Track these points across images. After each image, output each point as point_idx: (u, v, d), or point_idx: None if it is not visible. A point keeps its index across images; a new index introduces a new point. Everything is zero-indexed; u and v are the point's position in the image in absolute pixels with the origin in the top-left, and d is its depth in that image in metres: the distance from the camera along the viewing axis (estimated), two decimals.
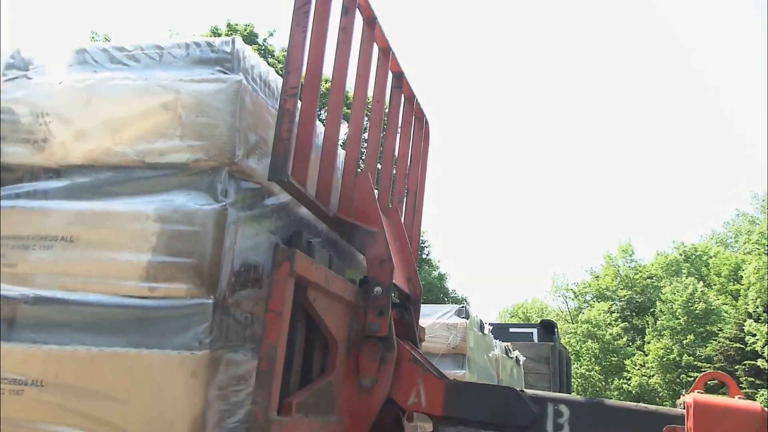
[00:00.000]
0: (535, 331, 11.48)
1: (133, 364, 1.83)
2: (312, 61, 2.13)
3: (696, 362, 29.43)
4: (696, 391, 2.39)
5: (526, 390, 2.23)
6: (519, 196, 71.01)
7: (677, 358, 31.06)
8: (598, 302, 37.26)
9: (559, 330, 13.22)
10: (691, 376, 28.55)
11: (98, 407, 1.81)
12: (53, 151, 2.04)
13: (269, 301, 1.88)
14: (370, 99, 2.79)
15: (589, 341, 34.23)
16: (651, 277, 38.00)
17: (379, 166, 3.01)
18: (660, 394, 31.40)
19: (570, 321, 38.42)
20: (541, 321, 12.47)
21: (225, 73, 2.02)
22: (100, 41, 22.56)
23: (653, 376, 32.10)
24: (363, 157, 2.84)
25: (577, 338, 34.59)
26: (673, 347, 31.51)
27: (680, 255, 38.56)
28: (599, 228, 65.03)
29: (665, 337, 32.29)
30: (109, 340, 1.86)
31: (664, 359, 31.67)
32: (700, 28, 63.17)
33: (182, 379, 1.80)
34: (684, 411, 2.13)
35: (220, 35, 22.65)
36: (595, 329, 34.36)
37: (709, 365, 27.75)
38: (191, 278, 1.86)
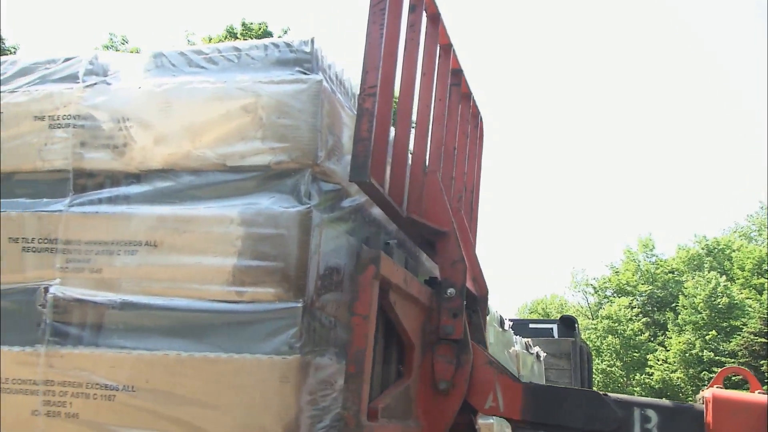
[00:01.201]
0: (555, 326, 11.37)
1: (223, 369, 1.81)
2: (386, 59, 2.10)
3: (719, 357, 29.04)
4: (715, 386, 2.34)
5: (609, 394, 2.19)
6: (538, 190, 70.54)
7: (700, 353, 30.68)
8: (619, 297, 36.91)
9: (579, 325, 13.10)
10: (714, 372, 28.08)
11: (190, 413, 1.80)
12: (134, 155, 2.03)
13: (355, 305, 1.86)
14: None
15: (610, 336, 33.90)
16: (672, 272, 37.56)
17: None
18: (683, 390, 31.07)
19: (590, 317, 38.13)
20: (561, 317, 12.37)
21: (305, 73, 1.99)
22: (118, 43, 22.81)
23: (676, 371, 31.74)
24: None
25: (598, 334, 34.29)
26: (696, 342, 31.12)
27: (702, 249, 38.02)
28: (619, 222, 64.49)
29: (687, 332, 31.90)
30: (198, 345, 1.85)
31: (687, 354, 31.30)
32: (716, 23, 62.34)
33: (274, 384, 1.78)
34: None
35: (235, 34, 22.64)
36: (616, 324, 34.04)
37: (732, 360, 27.37)
38: (279, 282, 1.85)
